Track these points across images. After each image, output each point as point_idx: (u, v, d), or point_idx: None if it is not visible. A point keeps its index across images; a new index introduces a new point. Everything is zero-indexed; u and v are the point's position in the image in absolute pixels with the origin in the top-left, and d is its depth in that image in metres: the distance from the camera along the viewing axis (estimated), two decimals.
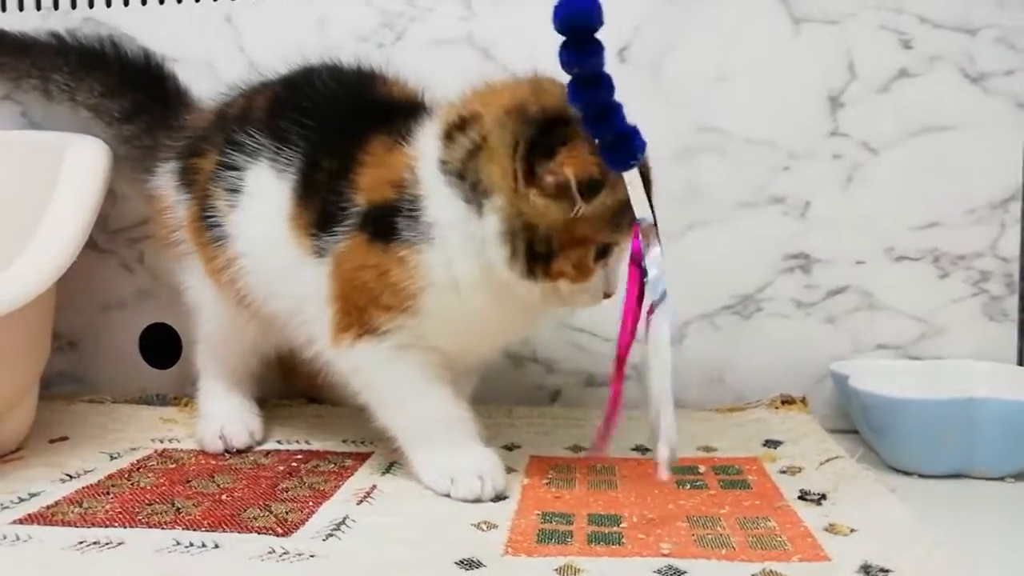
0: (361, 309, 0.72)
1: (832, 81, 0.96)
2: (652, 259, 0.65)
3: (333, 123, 0.77)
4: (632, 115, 0.65)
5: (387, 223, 0.70)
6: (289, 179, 0.77)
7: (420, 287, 0.70)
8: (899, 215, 0.96)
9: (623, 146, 0.62)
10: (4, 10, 1.07)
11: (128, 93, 0.99)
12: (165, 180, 0.90)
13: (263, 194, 0.79)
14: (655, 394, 0.65)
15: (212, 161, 0.84)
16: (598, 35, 0.59)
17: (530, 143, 0.66)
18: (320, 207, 0.74)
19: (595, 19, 0.57)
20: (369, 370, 0.75)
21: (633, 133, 0.63)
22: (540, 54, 0.66)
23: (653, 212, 0.66)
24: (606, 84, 0.61)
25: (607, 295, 0.71)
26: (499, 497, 0.72)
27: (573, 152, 0.65)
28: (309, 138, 0.77)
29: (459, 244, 0.69)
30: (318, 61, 0.85)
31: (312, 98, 0.80)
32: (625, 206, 0.66)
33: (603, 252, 0.69)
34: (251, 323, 0.86)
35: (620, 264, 0.70)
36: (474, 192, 0.68)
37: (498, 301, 0.71)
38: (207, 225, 0.83)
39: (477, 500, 0.71)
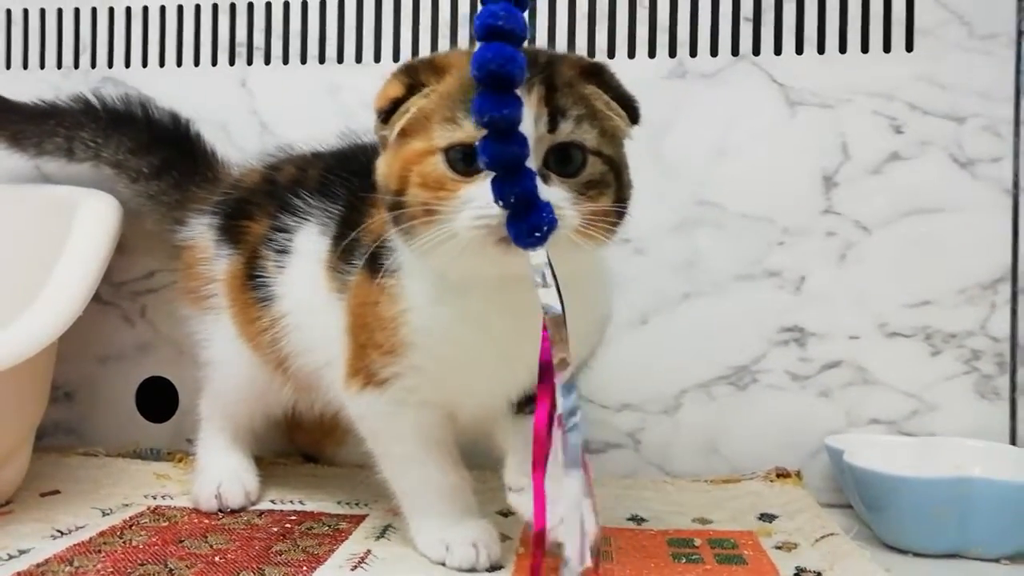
0: (362, 347, 0.73)
1: (826, 161, 0.99)
2: (560, 361, 0.57)
3: (369, 178, 0.79)
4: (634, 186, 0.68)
5: (379, 258, 0.71)
6: (329, 233, 0.79)
7: (402, 310, 0.69)
8: (892, 292, 0.98)
9: (528, 216, 0.56)
10: (26, 68, 1.11)
11: (157, 150, 1.00)
12: (201, 233, 0.92)
13: (309, 251, 0.80)
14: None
15: (264, 225, 0.85)
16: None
17: None
18: (345, 247, 0.76)
19: (515, 71, 0.55)
20: (372, 420, 0.76)
21: (543, 207, 0.57)
22: None
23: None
24: (518, 141, 0.56)
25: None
26: (494, 567, 0.71)
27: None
28: (350, 190, 0.80)
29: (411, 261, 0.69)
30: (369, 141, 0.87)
31: (361, 164, 0.81)
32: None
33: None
34: (282, 383, 0.86)
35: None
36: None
37: (468, 295, 0.67)
38: (253, 284, 0.85)
39: (472, 570, 0.71)
